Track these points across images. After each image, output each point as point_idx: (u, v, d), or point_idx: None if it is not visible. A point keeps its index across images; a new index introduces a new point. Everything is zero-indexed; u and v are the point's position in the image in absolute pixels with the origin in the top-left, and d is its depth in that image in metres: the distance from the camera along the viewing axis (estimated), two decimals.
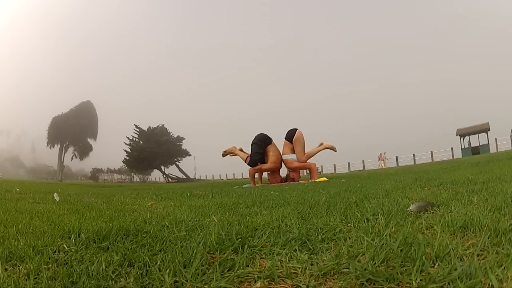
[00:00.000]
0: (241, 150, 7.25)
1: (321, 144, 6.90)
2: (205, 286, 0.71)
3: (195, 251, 0.90)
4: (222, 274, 0.76)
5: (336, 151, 6.97)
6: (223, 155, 7.35)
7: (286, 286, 0.71)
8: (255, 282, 0.73)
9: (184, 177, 40.16)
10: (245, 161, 6.92)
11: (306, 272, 0.75)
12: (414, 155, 26.00)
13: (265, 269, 0.78)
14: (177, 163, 40.83)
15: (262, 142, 6.71)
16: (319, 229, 1.13)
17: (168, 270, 0.78)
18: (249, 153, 6.88)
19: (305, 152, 6.67)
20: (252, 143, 6.82)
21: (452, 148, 23.74)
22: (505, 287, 0.63)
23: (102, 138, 51.57)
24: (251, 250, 0.93)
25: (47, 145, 48.01)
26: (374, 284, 0.68)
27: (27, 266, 0.85)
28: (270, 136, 6.85)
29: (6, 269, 0.84)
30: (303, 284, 0.70)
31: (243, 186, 6.04)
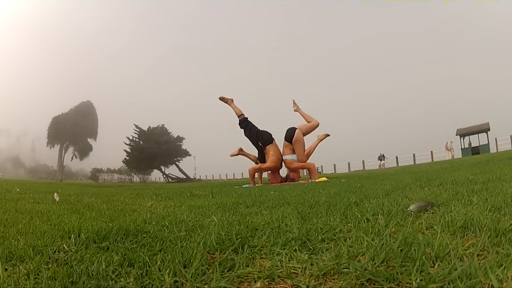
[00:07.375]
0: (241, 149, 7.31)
1: (317, 137, 7.22)
2: (205, 286, 0.71)
3: (195, 251, 0.90)
4: (222, 274, 0.76)
5: (329, 135, 7.32)
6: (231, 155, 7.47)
7: (286, 286, 0.71)
8: (255, 282, 0.73)
9: (184, 177, 40.16)
10: (257, 160, 6.98)
11: (306, 272, 0.75)
12: (414, 155, 26.04)
13: (265, 269, 0.78)
14: (177, 163, 40.87)
15: (263, 139, 6.68)
16: (319, 229, 1.13)
17: (168, 270, 0.78)
18: (256, 155, 6.94)
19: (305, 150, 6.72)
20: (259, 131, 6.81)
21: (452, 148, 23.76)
22: (505, 287, 0.63)
23: (102, 138, 51.70)
24: (251, 250, 0.93)
25: (47, 145, 48.16)
26: (374, 284, 0.68)
27: (27, 266, 0.85)
28: (273, 137, 6.84)
29: (6, 269, 0.84)
30: (303, 284, 0.70)
31: (243, 186, 6.03)
